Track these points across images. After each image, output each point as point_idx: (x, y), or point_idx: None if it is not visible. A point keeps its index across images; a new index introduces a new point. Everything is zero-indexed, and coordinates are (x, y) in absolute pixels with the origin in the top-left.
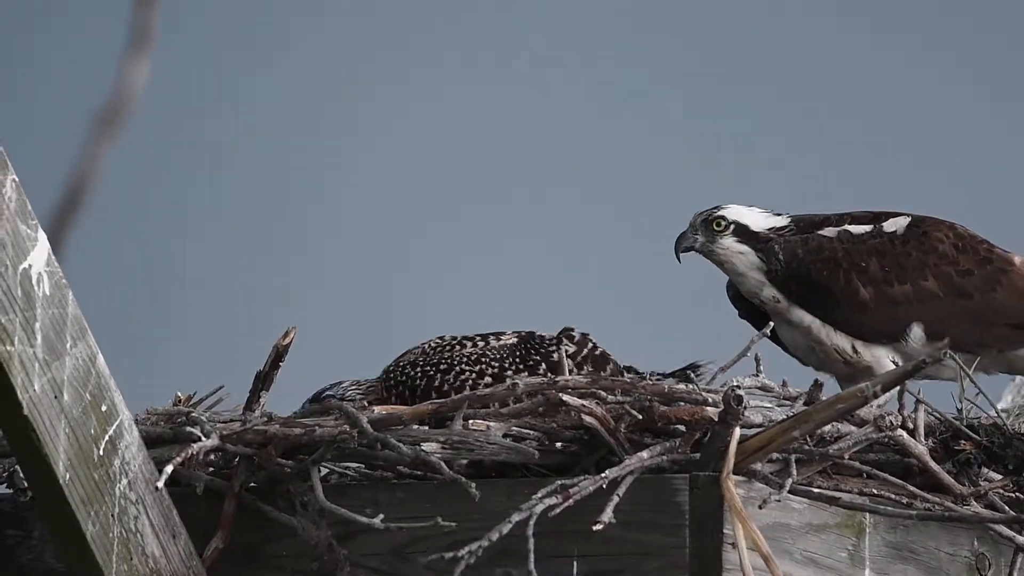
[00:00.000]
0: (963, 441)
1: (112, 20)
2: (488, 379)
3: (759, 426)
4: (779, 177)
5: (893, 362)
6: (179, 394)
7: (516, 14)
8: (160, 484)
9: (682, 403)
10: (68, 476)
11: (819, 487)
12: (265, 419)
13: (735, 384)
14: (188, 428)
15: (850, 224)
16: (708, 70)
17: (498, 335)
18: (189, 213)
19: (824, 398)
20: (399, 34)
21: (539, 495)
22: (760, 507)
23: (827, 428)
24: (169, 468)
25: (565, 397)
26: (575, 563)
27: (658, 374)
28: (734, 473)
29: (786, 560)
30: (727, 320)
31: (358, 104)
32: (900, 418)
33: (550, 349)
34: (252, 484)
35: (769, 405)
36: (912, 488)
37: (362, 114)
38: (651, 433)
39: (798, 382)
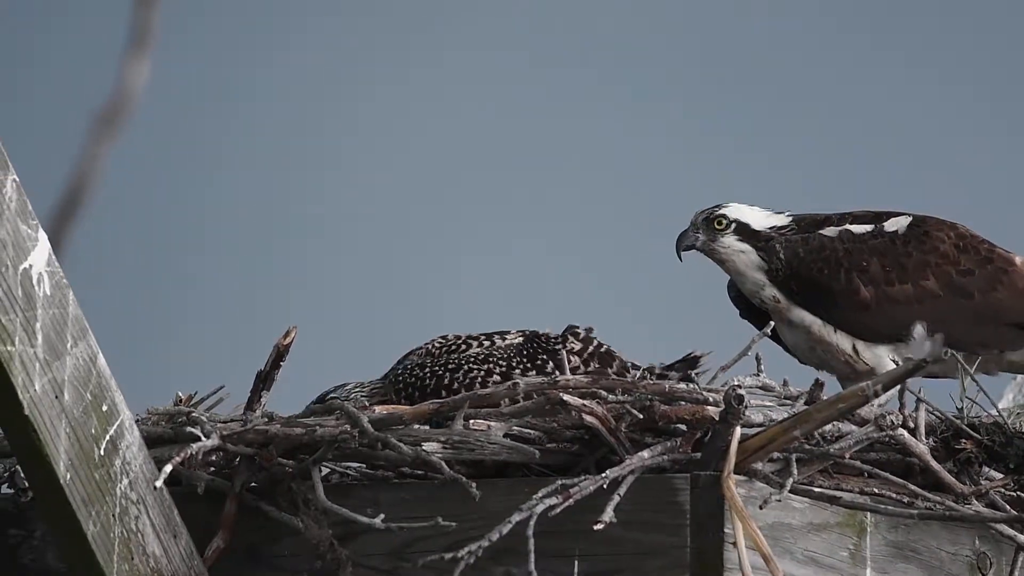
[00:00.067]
0: (964, 440)
1: (112, 20)
2: (497, 377)
3: (760, 425)
4: (779, 177)
5: (894, 361)
6: (180, 394)
7: (516, 14)
8: (159, 483)
9: (683, 402)
10: (69, 476)
11: (820, 486)
12: (266, 419)
13: (736, 383)
14: (189, 428)
15: (851, 224)
16: (708, 70)
17: (503, 334)
18: (189, 213)
19: (825, 397)
20: (399, 34)
21: (539, 495)
22: (761, 506)
23: (828, 427)
24: (168, 467)
25: (566, 397)
26: (576, 563)
27: (660, 365)
28: (735, 472)
29: (787, 559)
30: (727, 320)
31: (358, 104)
32: (901, 417)
33: (556, 347)
34: (253, 484)
35: (770, 404)
36: (913, 487)
37: (362, 114)
38: (652, 432)
39: (799, 381)
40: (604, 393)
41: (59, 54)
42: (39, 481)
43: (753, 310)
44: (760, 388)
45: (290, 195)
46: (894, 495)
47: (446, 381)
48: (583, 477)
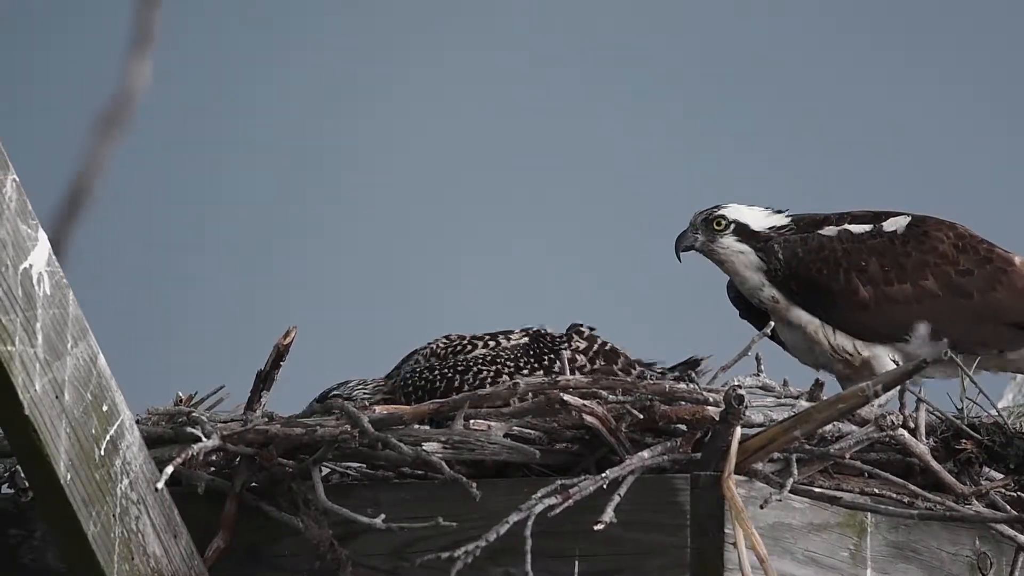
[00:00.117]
0: (964, 440)
1: (114, 20)
2: (506, 379)
3: (760, 426)
4: (779, 177)
5: (894, 361)
6: (180, 394)
7: (516, 14)
8: (160, 485)
9: (683, 402)
10: (69, 476)
11: (820, 486)
12: (266, 419)
13: (736, 383)
14: (189, 428)
15: (850, 223)
16: (708, 70)
17: (507, 334)
18: (191, 213)
19: (825, 398)
20: (399, 34)
21: (539, 495)
22: (761, 506)
23: (828, 427)
24: (169, 469)
25: (566, 397)
26: (576, 563)
27: (661, 366)
28: (735, 472)
29: (787, 560)
30: (727, 320)
31: (358, 104)
32: (901, 417)
33: (562, 347)
34: (253, 484)
35: (770, 404)
36: (913, 487)
37: (362, 114)
38: (652, 433)
39: (799, 382)
40: (604, 393)
41: (62, 55)
42: (39, 481)
43: (753, 310)
44: (760, 388)
45: (290, 195)
46: (894, 495)
47: (456, 384)
48: (583, 477)
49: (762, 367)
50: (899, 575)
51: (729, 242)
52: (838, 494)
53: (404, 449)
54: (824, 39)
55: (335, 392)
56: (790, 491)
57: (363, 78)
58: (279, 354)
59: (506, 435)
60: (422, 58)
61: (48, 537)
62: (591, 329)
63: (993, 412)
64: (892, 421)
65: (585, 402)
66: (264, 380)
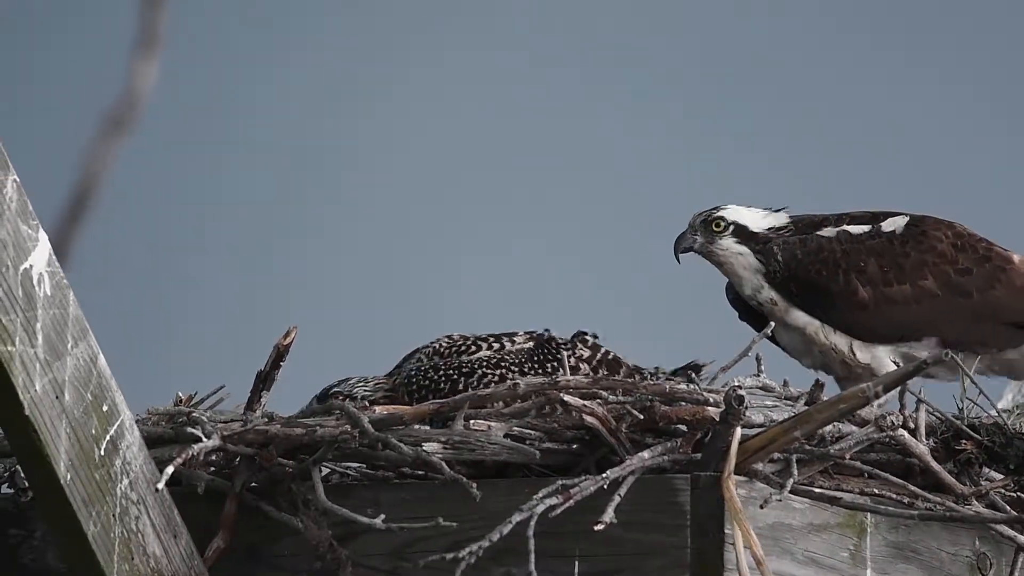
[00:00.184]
0: (964, 441)
1: (120, 21)
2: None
3: (760, 426)
4: (779, 177)
5: (893, 362)
6: (180, 394)
7: (516, 14)
8: (160, 485)
9: (683, 403)
10: (69, 476)
11: (820, 487)
12: (266, 419)
13: (736, 384)
14: (189, 428)
15: (849, 224)
16: (708, 70)
17: (511, 336)
18: (191, 213)
19: (825, 398)
20: (399, 34)
21: (540, 495)
22: (761, 507)
23: (828, 428)
24: (170, 469)
25: (566, 397)
26: (576, 563)
27: (661, 372)
28: (735, 473)
29: (787, 560)
30: (727, 320)
31: (358, 105)
32: (901, 418)
33: (566, 353)
34: (253, 484)
35: (770, 405)
36: (913, 488)
37: (362, 114)
38: (652, 433)
39: (799, 382)
40: (604, 394)
41: (67, 56)
42: (39, 481)
43: (751, 312)
44: (760, 389)
45: (290, 195)
46: (894, 496)
47: (461, 386)
48: (583, 477)
49: (762, 368)
50: (899, 575)
51: (728, 243)
52: (838, 494)
53: (404, 449)
54: (824, 39)
55: (335, 389)
56: (790, 491)
57: (363, 78)
58: (279, 354)
59: (506, 435)
60: (422, 58)
61: (48, 537)
62: (595, 337)
63: (993, 413)
64: (892, 422)
65: (585, 402)
66: (264, 380)
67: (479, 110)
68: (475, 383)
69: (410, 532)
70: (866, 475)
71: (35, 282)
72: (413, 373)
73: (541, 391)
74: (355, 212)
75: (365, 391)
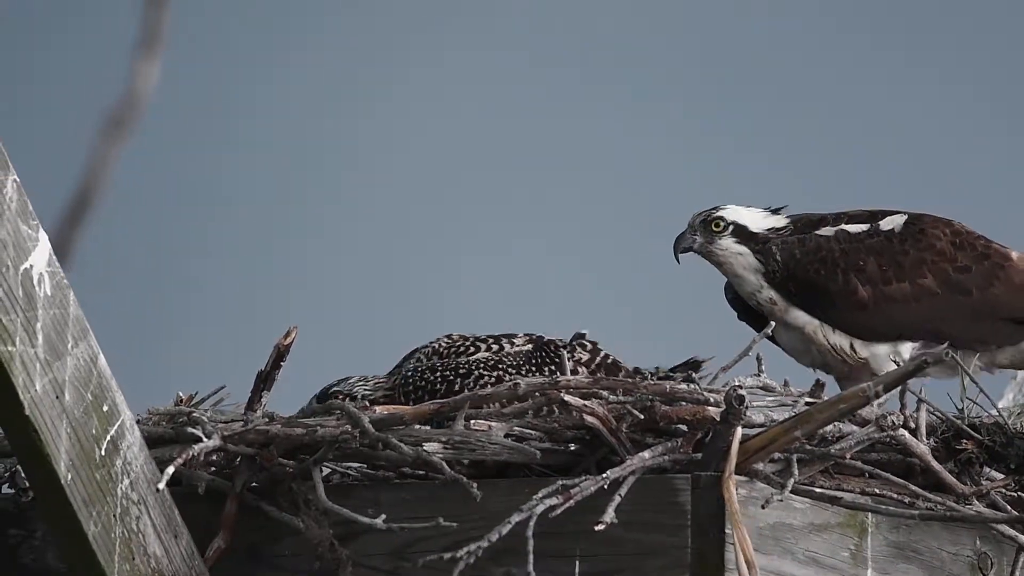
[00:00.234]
0: (965, 440)
1: (122, 21)
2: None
3: (761, 426)
4: (779, 177)
5: (893, 361)
6: (180, 394)
7: (516, 14)
8: (161, 485)
9: (684, 403)
10: (70, 476)
11: (821, 487)
12: (267, 419)
13: (737, 384)
14: (190, 428)
15: (847, 223)
16: (708, 70)
17: (510, 338)
18: (191, 213)
19: (826, 398)
20: (399, 34)
21: (540, 495)
22: (762, 507)
23: (829, 428)
24: (170, 469)
25: (567, 397)
26: (576, 563)
27: (661, 370)
28: (736, 473)
29: (788, 560)
30: (727, 320)
31: (358, 105)
32: (902, 417)
33: (565, 357)
34: (254, 484)
35: (771, 405)
36: (914, 488)
37: (362, 114)
38: (653, 433)
39: (799, 382)
40: (605, 393)
41: (68, 56)
42: (40, 481)
43: (751, 312)
44: (761, 388)
45: (290, 195)
46: (895, 495)
47: (457, 387)
48: (584, 477)
49: (763, 367)
50: (900, 575)
51: (727, 243)
52: (839, 494)
53: (405, 449)
54: (824, 39)
55: (335, 389)
56: (791, 491)
57: (363, 78)
58: (279, 354)
59: (506, 435)
60: (422, 58)
61: (48, 537)
62: (593, 343)
63: (993, 412)
64: (893, 421)
65: (586, 402)
66: (264, 380)
67: (479, 110)
68: (472, 384)
69: (411, 532)
70: (867, 475)
71: (35, 282)
72: (410, 373)
73: (541, 391)
74: (355, 212)
75: (365, 391)
